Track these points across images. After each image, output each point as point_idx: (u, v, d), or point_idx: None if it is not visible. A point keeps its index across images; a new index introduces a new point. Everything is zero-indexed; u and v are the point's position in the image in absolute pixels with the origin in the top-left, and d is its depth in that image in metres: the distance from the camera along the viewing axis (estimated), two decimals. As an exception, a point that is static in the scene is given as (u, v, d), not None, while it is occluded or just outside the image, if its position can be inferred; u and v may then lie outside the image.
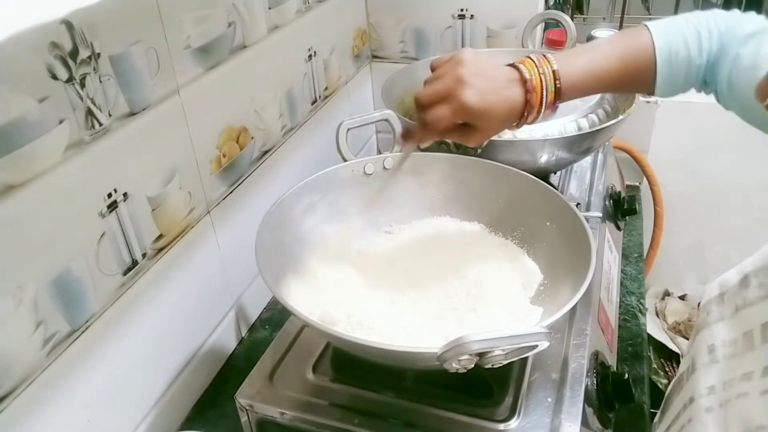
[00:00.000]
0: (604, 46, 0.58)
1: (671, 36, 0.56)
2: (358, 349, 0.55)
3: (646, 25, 0.57)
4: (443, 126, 0.56)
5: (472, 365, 0.44)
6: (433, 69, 0.59)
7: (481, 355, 0.43)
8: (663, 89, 0.57)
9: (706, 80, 0.57)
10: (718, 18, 0.56)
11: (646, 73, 0.56)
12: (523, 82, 0.56)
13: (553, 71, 0.55)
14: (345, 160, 0.72)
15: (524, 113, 0.56)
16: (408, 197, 0.75)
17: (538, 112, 0.56)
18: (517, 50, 1.06)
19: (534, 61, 0.56)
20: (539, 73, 0.55)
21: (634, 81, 0.58)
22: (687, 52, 0.55)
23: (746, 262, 0.50)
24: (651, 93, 0.58)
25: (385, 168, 0.73)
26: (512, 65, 0.57)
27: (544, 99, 0.56)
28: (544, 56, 0.57)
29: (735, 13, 0.56)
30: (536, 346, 0.44)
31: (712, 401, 0.47)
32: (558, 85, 0.55)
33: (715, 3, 1.54)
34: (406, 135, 0.63)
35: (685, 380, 0.52)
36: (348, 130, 0.70)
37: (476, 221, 0.73)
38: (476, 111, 0.54)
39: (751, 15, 0.55)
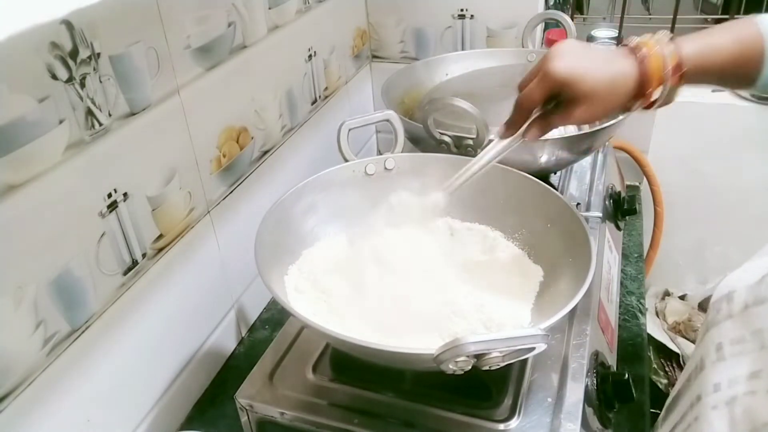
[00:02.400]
0: (717, 29, 0.55)
1: None
2: (357, 350, 0.55)
3: (754, 17, 0.55)
4: (534, 99, 0.54)
5: (470, 367, 0.44)
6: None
7: (478, 356, 0.43)
8: (765, 84, 0.54)
9: None
10: None
11: (755, 61, 0.54)
12: (634, 51, 0.53)
13: (671, 38, 0.53)
14: (346, 161, 0.72)
15: (643, 87, 0.53)
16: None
17: (660, 82, 0.53)
18: (517, 50, 1.07)
19: (649, 38, 0.54)
20: (654, 42, 0.53)
21: (743, 67, 0.54)
22: None
23: (756, 260, 0.50)
24: (752, 84, 0.55)
25: (386, 168, 0.73)
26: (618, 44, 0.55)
27: (663, 69, 0.52)
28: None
29: None
30: (533, 349, 0.44)
31: (718, 399, 0.47)
32: (677, 54, 0.53)
33: (715, 2, 1.54)
34: (509, 124, 0.59)
35: (693, 379, 0.52)
36: (349, 130, 0.70)
37: (476, 222, 0.73)
38: (562, 77, 0.52)
39: None
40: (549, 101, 0.56)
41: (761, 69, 0.54)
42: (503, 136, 0.59)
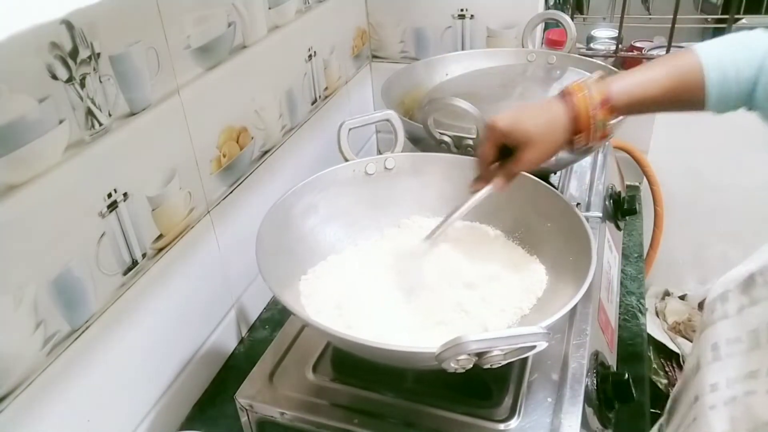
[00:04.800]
0: (652, 63, 0.60)
1: (720, 51, 0.57)
2: (358, 349, 0.55)
3: (692, 47, 0.58)
4: (488, 153, 0.61)
5: (471, 365, 0.44)
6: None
7: (479, 355, 0.43)
8: (716, 104, 0.58)
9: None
10: (761, 36, 0.57)
11: (696, 88, 0.57)
12: (564, 94, 0.59)
13: (601, 77, 0.58)
14: (346, 160, 0.72)
15: (576, 123, 0.59)
16: (409, 197, 0.75)
17: (588, 117, 0.58)
18: (517, 50, 1.07)
19: (578, 81, 0.59)
20: (583, 83, 0.58)
21: (685, 95, 0.58)
22: (735, 66, 0.56)
23: (751, 260, 0.50)
24: (703, 109, 0.59)
25: (386, 168, 0.73)
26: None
27: (590, 107, 0.58)
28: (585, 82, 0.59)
29: None
30: (534, 347, 0.44)
31: (716, 399, 0.47)
32: (604, 91, 0.58)
33: (715, 2, 1.54)
34: (476, 180, 0.65)
35: (690, 380, 0.52)
36: (350, 130, 0.70)
37: (477, 221, 0.73)
38: (503, 128, 0.59)
39: None
40: (503, 155, 0.62)
41: (705, 95, 0.57)
42: (475, 190, 0.65)
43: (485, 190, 0.64)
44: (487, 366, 0.44)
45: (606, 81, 0.59)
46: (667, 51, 1.14)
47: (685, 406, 0.52)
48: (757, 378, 0.44)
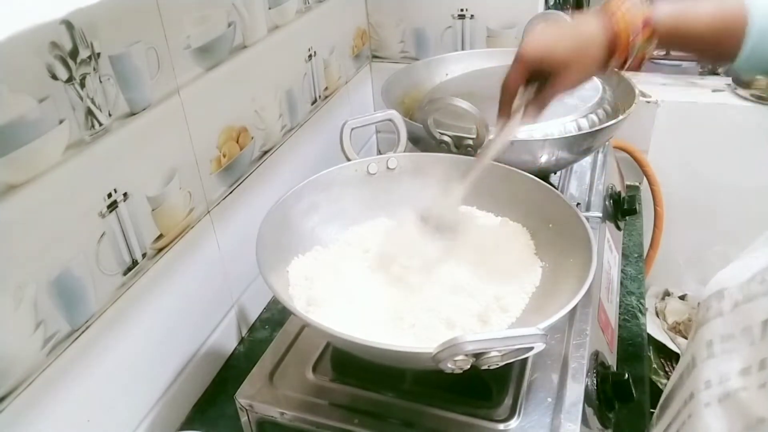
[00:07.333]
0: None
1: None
2: (356, 349, 0.55)
3: None
4: (515, 80, 0.57)
5: (468, 366, 0.44)
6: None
7: (477, 356, 0.43)
8: (747, 60, 0.54)
9: None
10: None
11: (736, 35, 0.54)
12: (602, 11, 0.55)
13: None
14: (348, 160, 0.72)
15: (614, 43, 0.55)
16: (411, 197, 0.75)
17: (628, 37, 0.54)
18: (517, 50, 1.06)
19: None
20: (623, 1, 0.54)
21: (723, 39, 0.55)
22: None
23: (746, 258, 0.50)
24: (732, 60, 0.55)
25: (388, 168, 0.73)
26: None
27: (631, 28, 0.54)
28: None
29: None
30: (532, 348, 0.44)
31: (710, 396, 0.47)
32: (648, 11, 0.54)
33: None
34: (500, 111, 0.61)
35: (685, 377, 0.52)
36: (352, 129, 0.70)
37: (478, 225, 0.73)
38: (534, 54, 0.55)
39: None
40: (532, 82, 0.59)
41: (741, 45, 0.54)
42: (499, 123, 0.61)
43: (515, 123, 0.60)
44: (485, 367, 0.44)
45: (654, 2, 0.55)
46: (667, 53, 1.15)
47: (679, 403, 0.51)
48: (750, 374, 0.44)
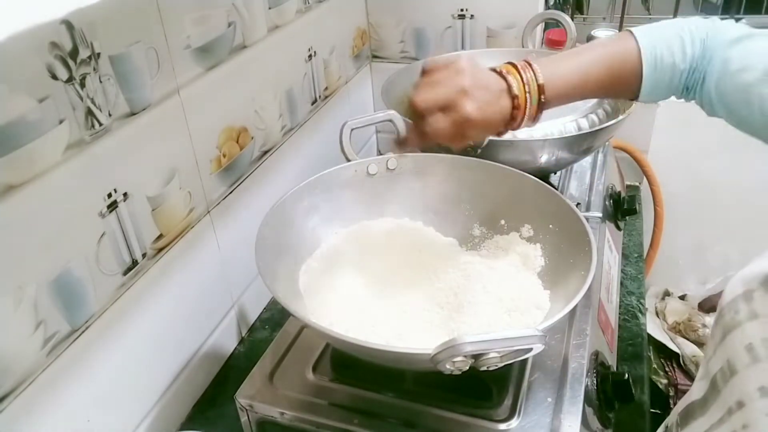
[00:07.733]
0: (589, 52, 0.58)
1: (656, 41, 0.56)
2: (356, 350, 0.54)
3: (630, 31, 0.57)
4: (443, 136, 0.56)
5: (467, 367, 0.44)
6: (425, 72, 0.57)
7: (475, 357, 0.43)
8: (647, 95, 0.58)
9: (688, 86, 0.58)
10: (698, 24, 0.56)
11: (632, 78, 0.57)
12: (511, 94, 0.56)
13: (538, 85, 0.56)
14: (348, 160, 0.72)
15: (509, 122, 0.57)
16: (411, 198, 0.75)
17: (520, 123, 0.57)
18: (517, 50, 1.07)
19: (519, 71, 0.56)
20: (524, 85, 0.56)
21: (619, 87, 0.58)
22: (672, 58, 0.56)
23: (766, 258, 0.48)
24: (634, 99, 0.59)
25: (388, 168, 0.73)
26: (499, 74, 0.57)
27: (527, 112, 0.56)
28: (529, 65, 0.56)
29: (714, 21, 0.57)
30: (531, 349, 0.44)
31: None
32: (542, 100, 0.56)
33: (715, 2, 1.54)
34: (402, 142, 0.62)
35: (722, 384, 0.49)
36: (352, 130, 0.70)
37: (477, 222, 0.73)
38: (477, 123, 0.55)
39: (730, 22, 0.56)
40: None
41: (640, 83, 0.56)
42: (400, 151, 0.64)
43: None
44: (484, 368, 0.44)
45: (543, 70, 0.56)
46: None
47: (720, 411, 0.48)
48: None
